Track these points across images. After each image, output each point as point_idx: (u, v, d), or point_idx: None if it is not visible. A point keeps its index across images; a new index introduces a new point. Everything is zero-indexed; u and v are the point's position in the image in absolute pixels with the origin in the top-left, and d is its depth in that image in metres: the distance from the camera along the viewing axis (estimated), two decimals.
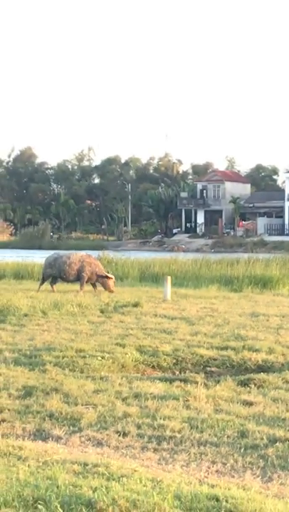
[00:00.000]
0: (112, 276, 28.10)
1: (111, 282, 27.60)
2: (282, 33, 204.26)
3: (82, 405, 11.02)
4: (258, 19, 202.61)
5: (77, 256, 28.60)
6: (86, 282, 28.02)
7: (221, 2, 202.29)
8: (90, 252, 32.42)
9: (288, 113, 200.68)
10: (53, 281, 28.40)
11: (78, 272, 27.82)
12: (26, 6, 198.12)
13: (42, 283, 28.42)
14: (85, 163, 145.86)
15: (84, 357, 14.25)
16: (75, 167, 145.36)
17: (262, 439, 9.47)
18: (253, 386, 12.39)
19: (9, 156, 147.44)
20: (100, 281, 27.88)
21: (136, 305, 22.38)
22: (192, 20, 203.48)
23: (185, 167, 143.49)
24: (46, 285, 28.60)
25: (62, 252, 30.38)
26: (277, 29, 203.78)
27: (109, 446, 9.31)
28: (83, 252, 30.99)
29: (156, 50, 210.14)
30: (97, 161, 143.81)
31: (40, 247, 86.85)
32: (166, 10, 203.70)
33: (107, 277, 27.71)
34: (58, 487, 7.35)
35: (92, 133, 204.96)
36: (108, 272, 28.69)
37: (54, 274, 28.19)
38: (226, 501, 7.10)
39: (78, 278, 28.01)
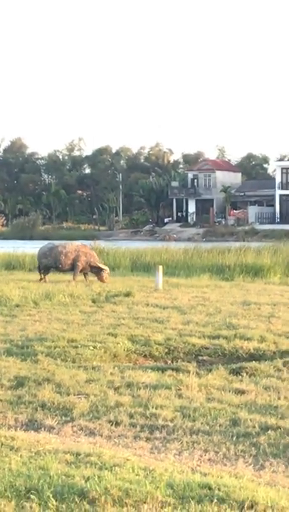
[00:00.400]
0: (106, 268, 28.11)
1: (105, 274, 27.60)
2: (271, 24, 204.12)
3: (74, 395, 11.02)
4: (250, 10, 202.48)
5: (72, 246, 28.58)
6: (80, 272, 28.03)
7: None
8: (82, 242, 32.37)
9: (278, 102, 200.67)
10: (46, 272, 28.36)
11: (73, 261, 27.81)
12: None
13: (41, 272, 28.41)
14: (76, 153, 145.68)
15: (76, 347, 14.25)
16: (66, 157, 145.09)
17: (254, 427, 9.49)
18: (244, 374, 12.40)
19: None
20: (94, 272, 27.91)
21: (127, 294, 22.39)
22: (182, 10, 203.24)
23: (176, 156, 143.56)
24: (37, 275, 28.57)
25: (57, 242, 30.34)
26: (267, 20, 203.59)
27: (101, 436, 9.31)
28: (78, 242, 30.99)
29: (146, 40, 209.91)
30: (88, 151, 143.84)
31: (31, 238, 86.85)
32: (155, 2, 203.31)
33: (100, 269, 27.72)
34: (50, 477, 7.35)
35: (83, 123, 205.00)
36: (102, 263, 28.73)
37: (49, 263, 28.12)
38: (219, 489, 7.11)
39: (73, 268, 28.00)
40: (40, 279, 27.79)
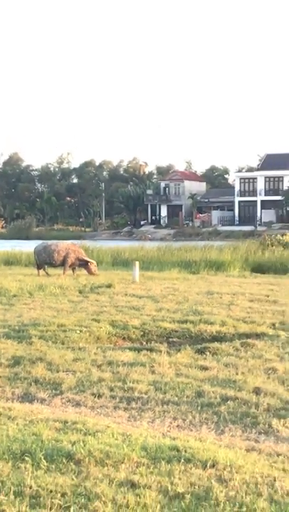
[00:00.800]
0: (93, 261, 28.24)
1: (93, 266, 27.71)
2: (242, 38, 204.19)
3: (63, 372, 10.99)
4: (228, 25, 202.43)
5: (63, 244, 28.59)
6: (70, 267, 28.00)
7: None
8: (72, 242, 32.34)
9: (237, 121, 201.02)
10: (41, 266, 28.25)
11: (64, 258, 27.79)
12: (15, 4, 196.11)
13: (40, 268, 28.23)
14: (65, 165, 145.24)
15: (65, 331, 14.21)
16: (57, 169, 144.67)
17: (216, 398, 9.50)
18: (208, 354, 12.42)
19: None
20: (83, 266, 27.92)
21: (109, 286, 22.37)
22: (163, 22, 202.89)
23: (150, 168, 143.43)
24: (33, 270, 28.50)
25: (49, 242, 30.28)
26: (239, 37, 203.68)
27: (86, 406, 9.30)
28: (69, 242, 31.00)
29: (123, 61, 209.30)
30: (75, 164, 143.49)
31: (27, 238, 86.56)
32: (146, 8, 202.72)
33: (87, 262, 27.79)
34: (42, 442, 7.34)
35: (71, 139, 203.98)
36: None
37: (45, 260, 28.08)
38: (185, 451, 7.13)
39: (63, 263, 27.99)
40: (39, 273, 27.68)
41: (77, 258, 27.80)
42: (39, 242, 32.16)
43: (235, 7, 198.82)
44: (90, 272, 27.41)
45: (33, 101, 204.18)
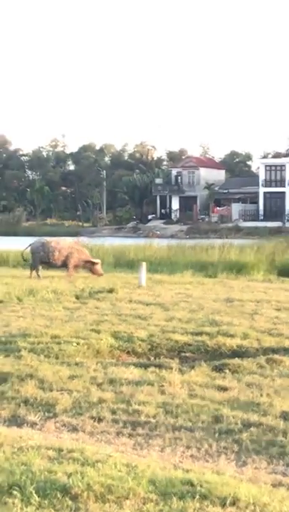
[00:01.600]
0: (98, 261, 28.39)
1: (98, 266, 27.86)
2: (258, 24, 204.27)
3: (57, 391, 10.99)
4: (237, 13, 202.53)
5: (66, 242, 28.76)
6: (74, 268, 28.11)
7: None
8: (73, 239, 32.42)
9: (262, 99, 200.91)
10: (34, 267, 28.22)
11: (66, 258, 27.87)
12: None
13: (34, 268, 28.20)
14: (60, 149, 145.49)
15: (59, 343, 14.21)
16: (50, 154, 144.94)
17: (236, 423, 9.49)
18: (227, 371, 12.40)
19: None
20: (88, 267, 28.02)
21: (111, 291, 22.38)
22: (171, 12, 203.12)
23: (159, 153, 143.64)
24: (22, 272, 28.53)
25: (49, 238, 30.34)
26: (255, 20, 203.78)
27: (84, 432, 9.30)
28: (71, 239, 31.15)
29: (130, 37, 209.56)
30: (72, 148, 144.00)
31: (15, 234, 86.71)
32: (147, 3, 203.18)
33: (93, 262, 27.92)
34: (32, 473, 7.33)
35: (66, 120, 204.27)
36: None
37: (43, 258, 28.10)
38: (201, 486, 7.11)
39: (65, 264, 28.05)
40: (32, 275, 27.68)
41: (81, 259, 27.91)
42: (29, 239, 32.27)
43: None
44: (96, 273, 27.59)
45: (23, 74, 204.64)
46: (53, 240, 29.00)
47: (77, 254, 27.96)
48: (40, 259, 28.09)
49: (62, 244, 28.28)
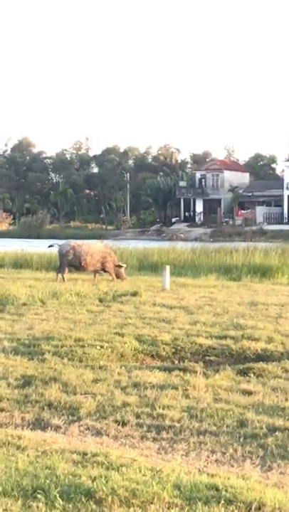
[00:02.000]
0: (124, 265, 28.43)
1: (123, 270, 27.95)
2: (279, 23, 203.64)
3: (81, 394, 11.01)
4: (255, 9, 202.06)
5: (97, 246, 28.64)
6: (95, 272, 28.10)
7: None
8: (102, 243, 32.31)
9: (286, 102, 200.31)
10: (62, 270, 27.86)
11: (101, 263, 27.79)
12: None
13: (61, 271, 27.79)
14: (83, 152, 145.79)
15: (83, 346, 14.23)
16: (74, 156, 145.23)
17: (261, 428, 9.46)
18: (252, 375, 12.38)
19: (6, 145, 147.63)
20: (116, 271, 28.00)
21: (135, 294, 22.38)
22: (189, 9, 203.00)
23: (183, 156, 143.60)
24: (45, 274, 28.50)
25: (79, 241, 30.14)
26: (274, 18, 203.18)
27: (108, 436, 9.30)
28: (98, 243, 31.02)
29: (153, 38, 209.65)
30: (95, 151, 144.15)
31: (38, 236, 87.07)
32: (161, 2, 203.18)
33: (120, 266, 27.96)
34: (57, 476, 7.34)
35: (90, 122, 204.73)
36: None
37: (73, 262, 27.81)
38: (226, 491, 7.09)
39: (96, 269, 27.93)
40: (58, 278, 27.39)
41: (114, 262, 27.91)
42: (52, 241, 32.21)
43: None
44: (121, 277, 27.55)
45: (47, 77, 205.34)
46: (84, 244, 28.80)
47: (110, 258, 27.93)
48: (69, 263, 27.83)
49: (94, 249, 28.05)
